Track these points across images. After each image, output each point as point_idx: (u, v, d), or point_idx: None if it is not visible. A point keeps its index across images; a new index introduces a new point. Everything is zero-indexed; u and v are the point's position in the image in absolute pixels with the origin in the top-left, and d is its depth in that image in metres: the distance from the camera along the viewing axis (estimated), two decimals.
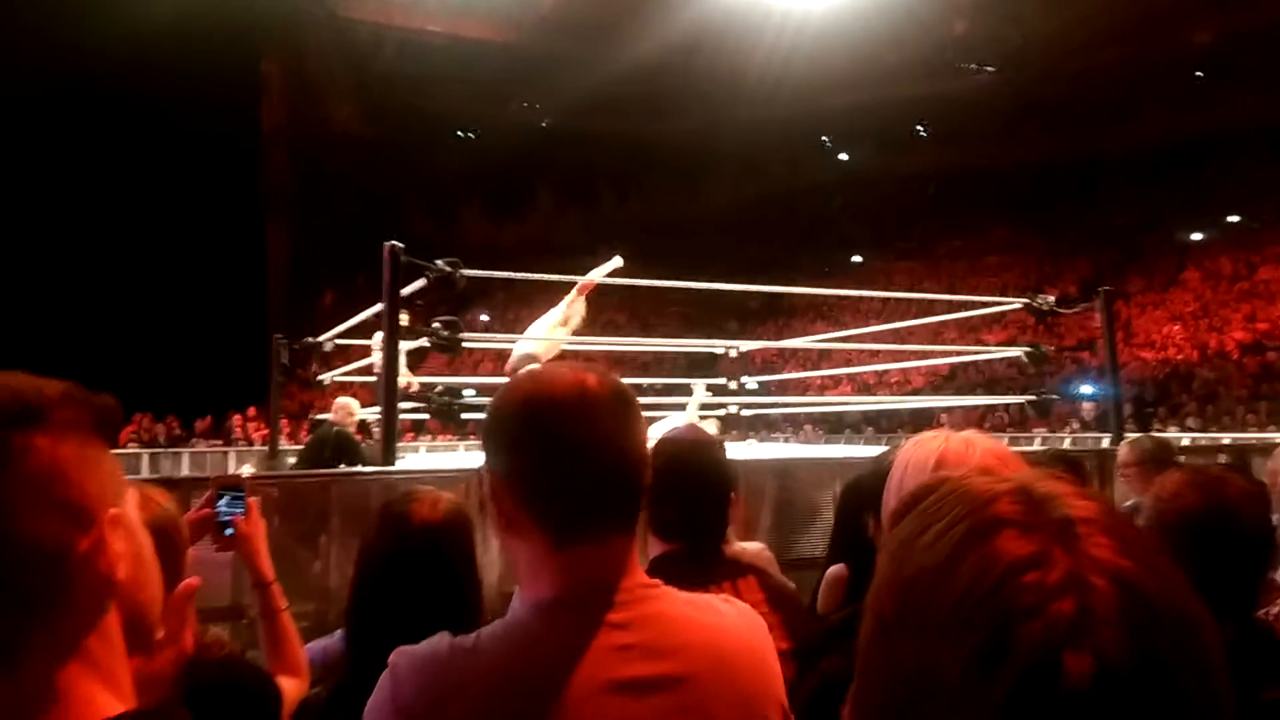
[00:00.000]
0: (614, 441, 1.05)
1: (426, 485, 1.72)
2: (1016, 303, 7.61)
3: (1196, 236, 23.68)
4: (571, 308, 6.70)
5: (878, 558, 0.58)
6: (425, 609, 1.50)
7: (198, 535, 1.76)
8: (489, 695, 0.97)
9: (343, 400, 6.97)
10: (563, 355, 6.88)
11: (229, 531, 1.82)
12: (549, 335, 6.63)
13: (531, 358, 6.61)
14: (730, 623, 1.10)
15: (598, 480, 1.04)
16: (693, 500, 1.85)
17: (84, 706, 0.70)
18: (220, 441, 14.51)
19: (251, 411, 16.15)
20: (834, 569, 2.50)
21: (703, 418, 8.11)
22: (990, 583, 0.47)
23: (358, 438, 6.85)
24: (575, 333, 7.02)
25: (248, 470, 9.27)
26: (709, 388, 9.36)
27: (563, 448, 1.03)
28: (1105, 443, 6.86)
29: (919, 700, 0.48)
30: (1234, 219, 23.22)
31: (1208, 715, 0.46)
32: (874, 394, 18.88)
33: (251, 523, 1.85)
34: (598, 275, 6.86)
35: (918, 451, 1.36)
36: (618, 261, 6.91)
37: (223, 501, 1.83)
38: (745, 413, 11.10)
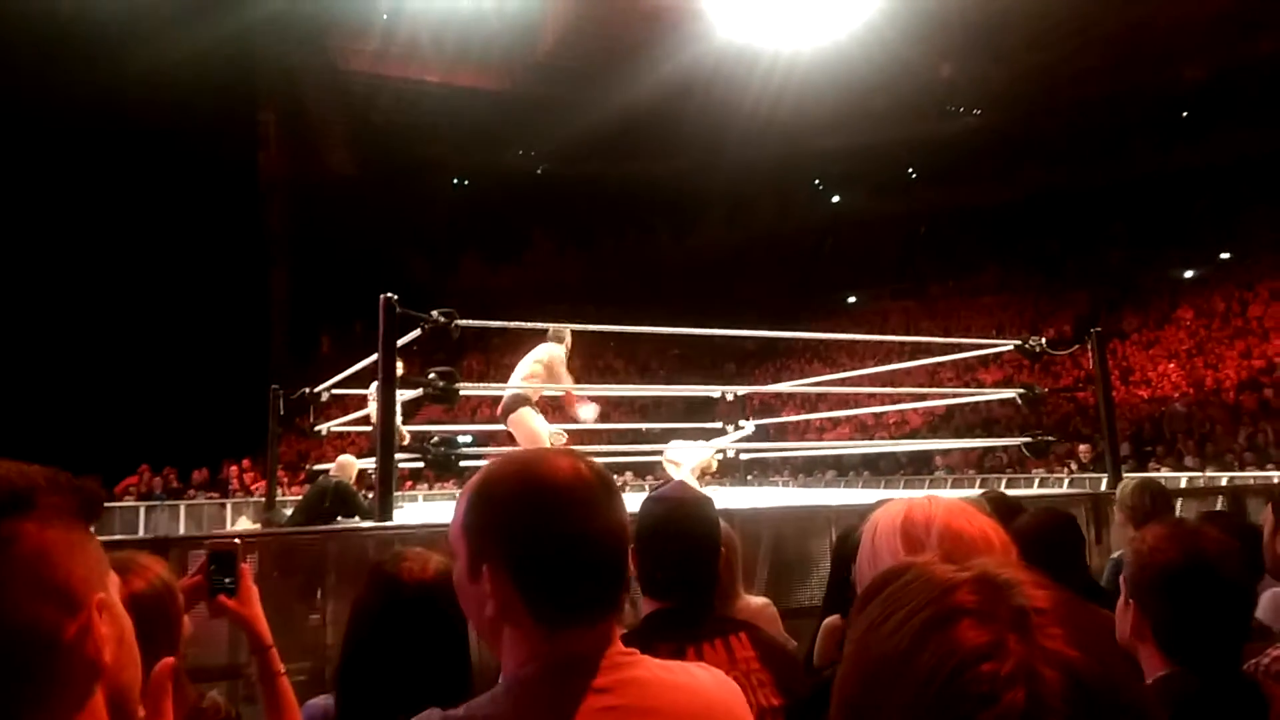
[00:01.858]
0: (610, 530, 1.10)
1: (417, 544, 1.72)
2: (1009, 344, 7.65)
3: (1189, 274, 23.85)
4: (552, 359, 6.75)
5: (845, 643, 0.60)
6: (416, 669, 1.50)
7: (191, 602, 1.76)
8: None
9: (344, 458, 7.00)
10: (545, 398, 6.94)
11: (222, 598, 1.81)
12: (534, 381, 6.67)
13: (523, 399, 6.65)
14: (704, 685, 1.14)
15: (597, 569, 1.09)
16: (681, 559, 1.87)
17: None
18: (217, 494, 14.44)
19: (247, 462, 16.09)
20: (830, 619, 2.50)
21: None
22: (948, 671, 0.50)
23: (356, 489, 6.85)
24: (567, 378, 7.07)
25: (244, 524, 9.24)
26: (707, 433, 9.38)
27: (567, 538, 1.07)
28: (1103, 484, 6.86)
29: None
30: (1225, 255, 23.40)
31: None
32: (872, 436, 18.87)
33: (244, 589, 1.84)
34: (583, 412, 6.98)
35: (884, 516, 1.39)
36: (594, 409, 7.09)
37: (215, 567, 1.83)
38: (744, 456, 11.12)
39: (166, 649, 1.41)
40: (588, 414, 7.04)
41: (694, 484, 7.82)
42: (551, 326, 6.87)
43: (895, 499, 1.48)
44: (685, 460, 8.12)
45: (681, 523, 1.91)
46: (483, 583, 1.08)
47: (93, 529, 0.83)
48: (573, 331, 7.04)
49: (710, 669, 1.20)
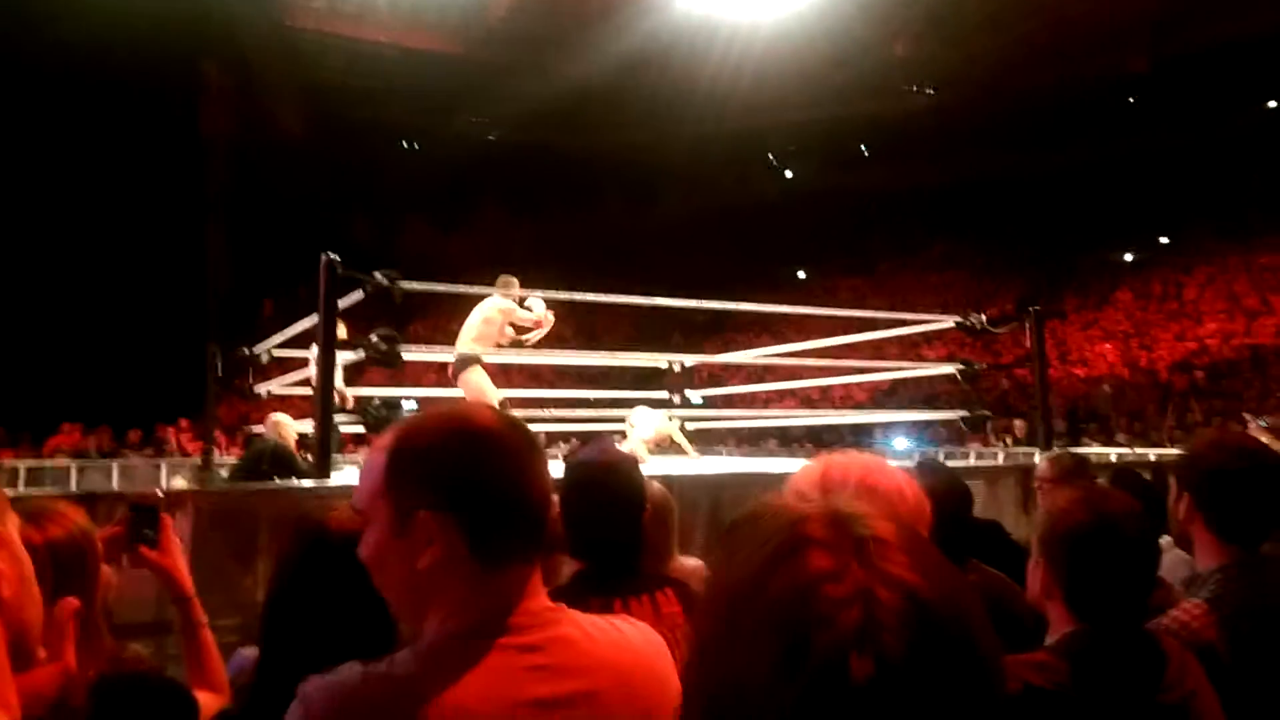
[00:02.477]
0: (539, 474, 1.13)
1: (338, 500, 1.71)
2: (949, 320, 7.80)
3: (1128, 257, 24.40)
4: (501, 313, 6.74)
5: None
6: (339, 620, 1.50)
7: (111, 553, 1.75)
8: (403, 718, 0.99)
9: (276, 416, 6.90)
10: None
11: (143, 549, 1.81)
12: (481, 340, 6.67)
13: (471, 359, 6.64)
14: (631, 641, 1.16)
15: (529, 515, 1.11)
16: (604, 519, 1.90)
17: None
18: (153, 453, 14.19)
19: (184, 423, 15.82)
20: None
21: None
22: (792, 595, 0.53)
23: (297, 452, 6.78)
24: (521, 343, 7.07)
25: (180, 485, 9.11)
26: (654, 403, 9.43)
27: (504, 476, 1.10)
28: (1037, 458, 7.05)
29: (733, 704, 0.54)
30: (1164, 240, 23.98)
31: (974, 703, 0.53)
32: (817, 409, 19.10)
33: (165, 539, 1.84)
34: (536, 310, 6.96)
35: (804, 473, 1.43)
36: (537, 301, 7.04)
37: (136, 518, 1.82)
38: (690, 426, 11.21)
39: (84, 596, 1.40)
40: (538, 308, 7.00)
41: (643, 451, 7.92)
42: (499, 279, 6.85)
43: (816, 459, 1.52)
44: (644, 427, 8.21)
45: (603, 483, 1.94)
46: (415, 533, 1.08)
47: None
48: (524, 299, 7.03)
49: (637, 624, 1.21)
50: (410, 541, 1.09)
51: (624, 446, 8.74)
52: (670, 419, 9.59)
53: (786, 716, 0.50)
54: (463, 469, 1.09)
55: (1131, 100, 25.61)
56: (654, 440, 9.18)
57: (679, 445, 9.31)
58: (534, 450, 1.15)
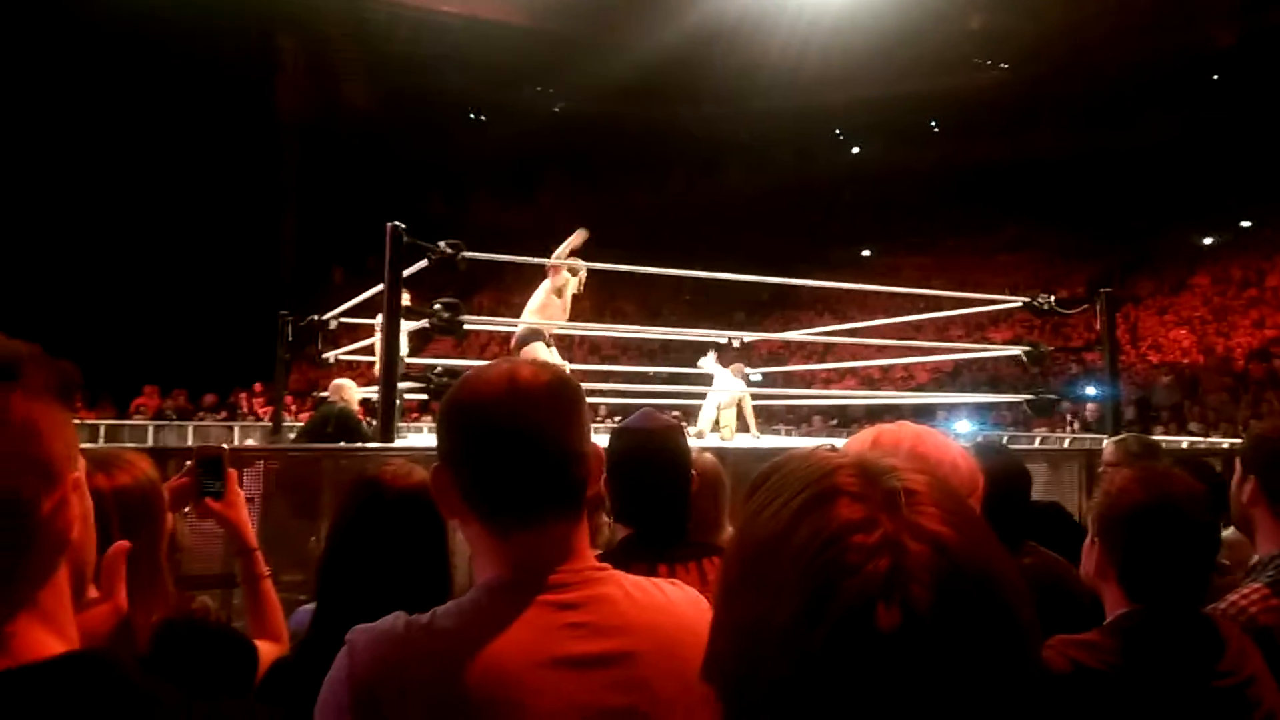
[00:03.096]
0: (544, 432, 1.10)
1: (402, 459, 1.75)
2: (1017, 301, 7.64)
3: (1208, 241, 23.57)
4: (555, 282, 6.78)
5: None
6: (394, 574, 1.54)
7: (178, 504, 1.81)
8: (441, 670, 1.02)
9: (339, 380, 7.06)
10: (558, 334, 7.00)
11: (209, 500, 1.87)
12: (543, 315, 6.74)
13: (536, 333, 6.74)
14: (674, 603, 1.15)
15: (528, 470, 1.09)
16: (649, 484, 1.91)
17: (32, 649, 0.74)
18: (224, 415, 14.61)
19: (258, 387, 16.25)
20: None
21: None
22: (820, 543, 0.54)
23: (362, 416, 6.93)
24: (576, 314, 7.13)
25: (251, 444, 9.37)
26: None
27: (491, 439, 1.10)
28: (1105, 442, 6.90)
29: (757, 651, 0.54)
30: (1246, 224, 23.11)
31: (1003, 659, 0.52)
32: (878, 389, 18.90)
33: (231, 492, 1.89)
34: (564, 251, 6.93)
35: (855, 441, 1.42)
36: (582, 234, 6.97)
37: (202, 471, 1.88)
38: (749, 404, 11.17)
39: (149, 543, 1.46)
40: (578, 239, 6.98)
41: (711, 410, 8.08)
42: (564, 261, 6.88)
43: (869, 428, 1.51)
44: (723, 389, 8.41)
45: (647, 450, 1.95)
46: (437, 486, 1.14)
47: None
48: (588, 272, 7.06)
49: (683, 587, 1.20)
50: (438, 494, 1.14)
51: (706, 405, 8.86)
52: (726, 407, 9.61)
53: (811, 664, 0.51)
54: (463, 423, 1.12)
55: (1215, 76, 24.62)
56: (728, 405, 9.24)
57: (745, 417, 9.31)
58: (557, 404, 1.12)
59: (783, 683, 0.52)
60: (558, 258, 6.91)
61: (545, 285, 6.91)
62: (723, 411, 9.27)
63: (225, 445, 1.93)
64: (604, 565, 1.15)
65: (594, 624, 1.07)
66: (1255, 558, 1.96)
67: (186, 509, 1.88)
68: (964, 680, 0.50)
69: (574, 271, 6.87)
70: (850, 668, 0.50)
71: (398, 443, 4.91)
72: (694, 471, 2.03)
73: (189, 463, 1.89)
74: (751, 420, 9.51)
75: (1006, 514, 2.27)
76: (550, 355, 6.76)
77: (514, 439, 1.09)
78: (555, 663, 1.03)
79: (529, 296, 7.04)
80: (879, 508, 0.55)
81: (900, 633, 0.50)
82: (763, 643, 0.54)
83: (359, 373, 15.82)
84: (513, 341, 7.03)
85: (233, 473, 1.90)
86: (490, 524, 1.11)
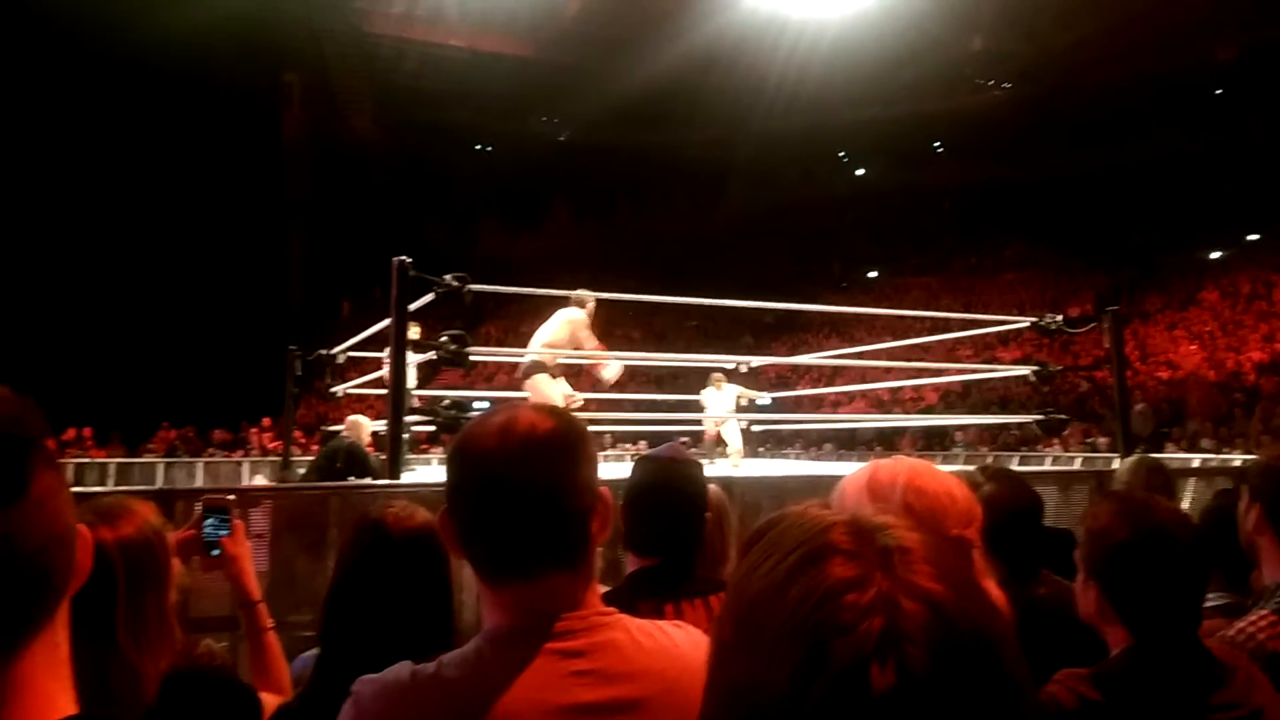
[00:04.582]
0: (535, 485, 1.08)
1: (422, 503, 1.73)
2: (1025, 321, 7.63)
3: (1215, 255, 23.52)
4: (573, 332, 6.76)
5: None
6: (397, 618, 1.53)
7: (185, 554, 1.81)
8: None
9: (354, 418, 7.09)
10: (567, 364, 6.99)
11: (215, 553, 1.86)
12: (554, 347, 6.72)
13: (540, 365, 6.71)
14: (680, 648, 1.13)
15: (522, 527, 1.07)
16: (666, 517, 1.91)
17: (45, 702, 0.75)
18: (237, 452, 14.65)
19: (267, 422, 16.30)
20: None
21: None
22: (813, 603, 0.53)
23: (371, 451, 6.94)
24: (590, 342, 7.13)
25: (260, 482, 9.39)
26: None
27: (484, 493, 1.09)
28: (1115, 463, 6.87)
29: (751, 712, 0.53)
30: (1253, 237, 23.07)
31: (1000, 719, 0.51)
32: (888, 411, 18.85)
33: (237, 543, 1.89)
34: (606, 372, 6.96)
35: (852, 478, 1.42)
36: (619, 367, 7.02)
37: (209, 522, 1.87)
38: (756, 428, 11.16)
39: (155, 593, 1.45)
40: (610, 374, 7.01)
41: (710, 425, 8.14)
42: (575, 292, 6.88)
43: (866, 463, 1.51)
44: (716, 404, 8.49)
45: (669, 482, 1.95)
46: (440, 526, 1.14)
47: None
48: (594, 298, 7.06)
49: (689, 629, 1.19)
50: (445, 539, 1.14)
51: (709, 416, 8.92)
52: (739, 422, 9.63)
53: None
54: (460, 473, 1.11)
55: (1218, 91, 24.69)
56: (716, 421, 9.30)
57: (728, 439, 9.35)
58: (555, 453, 1.10)
59: None
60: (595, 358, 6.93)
61: (559, 315, 6.88)
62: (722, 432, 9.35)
63: (232, 496, 1.92)
64: (610, 610, 1.13)
65: (601, 671, 1.06)
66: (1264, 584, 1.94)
67: (193, 559, 1.87)
68: None
69: (582, 305, 6.85)
70: None
71: (406, 478, 4.90)
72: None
73: (196, 510, 1.89)
74: (738, 443, 9.56)
75: (1017, 543, 2.25)
76: (558, 387, 6.73)
77: (508, 494, 1.08)
78: (563, 711, 1.02)
79: (536, 326, 7.03)
80: (873, 566, 0.55)
81: (894, 694, 0.49)
82: (756, 705, 0.53)
83: (368, 405, 15.86)
84: (518, 372, 7.03)
85: (239, 523, 1.89)
86: (487, 576, 1.10)
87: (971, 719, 0.50)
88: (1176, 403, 16.33)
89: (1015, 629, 0.56)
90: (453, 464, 1.13)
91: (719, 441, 9.70)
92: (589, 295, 6.86)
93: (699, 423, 10.25)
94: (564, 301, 6.89)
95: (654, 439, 14.13)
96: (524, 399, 6.60)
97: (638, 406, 12.22)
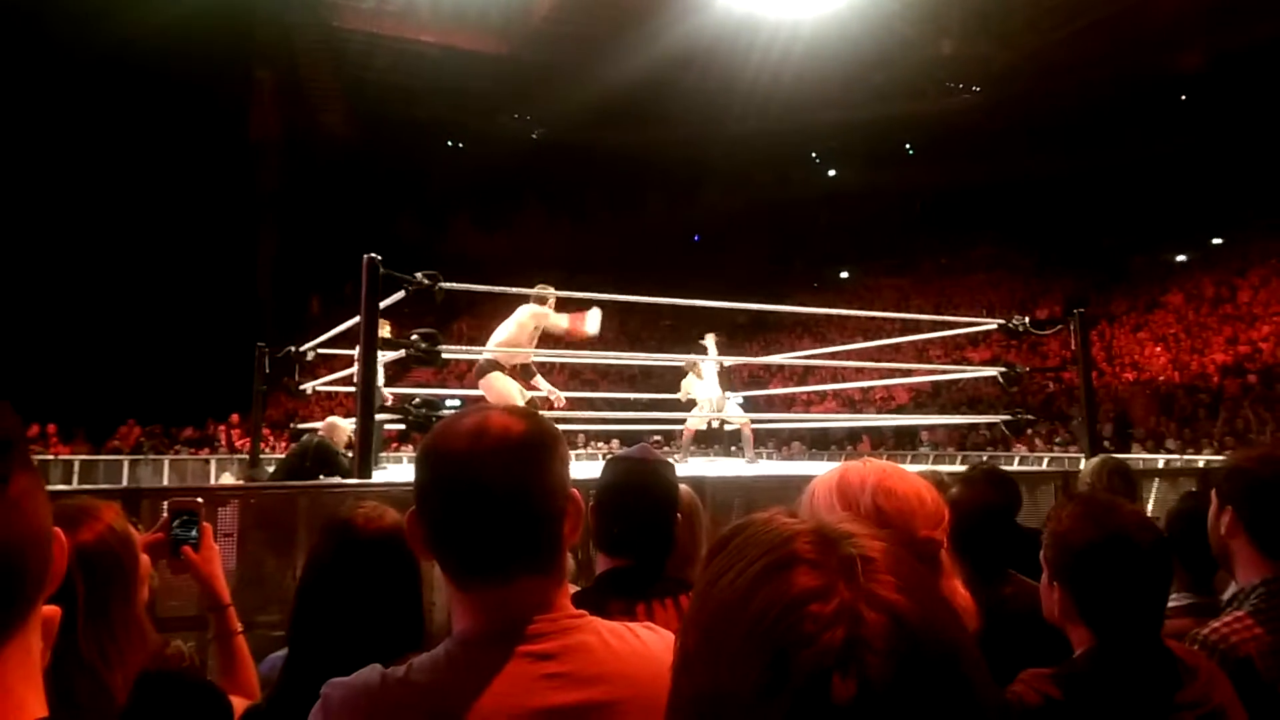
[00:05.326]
0: (506, 487, 1.07)
1: (392, 502, 1.72)
2: (993, 323, 7.71)
3: (1180, 258, 23.89)
4: (533, 318, 6.74)
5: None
6: (366, 620, 1.52)
7: (153, 557, 1.78)
8: None
9: (332, 419, 7.04)
10: (527, 363, 6.95)
11: (185, 553, 1.84)
12: (514, 344, 6.71)
13: (494, 364, 6.69)
14: (651, 649, 1.13)
15: (486, 526, 1.06)
16: (638, 517, 1.91)
17: (16, 705, 0.74)
18: (204, 449, 14.48)
19: (235, 419, 16.13)
20: None
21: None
22: (777, 613, 0.53)
23: (344, 450, 6.88)
24: (556, 340, 7.13)
25: (228, 480, 9.29)
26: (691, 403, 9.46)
27: (455, 496, 1.07)
28: (1082, 464, 6.95)
29: None
30: (1217, 240, 23.45)
31: None
32: (859, 410, 18.97)
33: (205, 547, 1.87)
34: (588, 327, 6.94)
35: (821, 479, 1.42)
36: (597, 314, 7.00)
37: (177, 524, 1.84)
38: (728, 428, 11.19)
39: (121, 598, 1.43)
40: (594, 327, 6.96)
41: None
42: (534, 290, 6.87)
43: (835, 465, 1.52)
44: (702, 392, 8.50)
45: (641, 482, 1.95)
46: (408, 530, 1.12)
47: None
48: (565, 299, 7.05)
49: (659, 631, 1.19)
50: (412, 541, 1.12)
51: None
52: (709, 422, 9.63)
53: None
54: (429, 476, 1.10)
55: (1184, 98, 25.08)
56: (714, 407, 9.25)
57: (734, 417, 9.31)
58: (526, 456, 1.09)
59: None
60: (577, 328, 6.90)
61: (519, 312, 6.87)
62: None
63: (199, 499, 1.90)
64: (580, 613, 1.13)
65: (572, 674, 1.05)
66: (1234, 587, 1.97)
67: (160, 562, 1.85)
68: None
69: (543, 301, 6.83)
70: None
71: (376, 476, 4.87)
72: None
73: (163, 515, 1.86)
74: (688, 441, 9.58)
75: (983, 545, 2.27)
76: (509, 382, 6.71)
77: (480, 497, 1.06)
78: (535, 715, 1.02)
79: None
80: (836, 576, 0.54)
81: (856, 705, 0.49)
82: (721, 714, 0.53)
83: (338, 402, 15.73)
84: (474, 370, 7.01)
85: (207, 526, 1.87)
86: (458, 579, 1.09)
87: None
88: (1142, 404, 16.56)
89: (979, 637, 0.56)
90: (423, 465, 1.11)
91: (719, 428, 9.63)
92: (550, 291, 6.86)
93: (671, 421, 10.24)
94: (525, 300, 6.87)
95: (626, 438, 14.15)
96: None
97: (610, 405, 12.23)
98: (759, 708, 0.50)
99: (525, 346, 6.79)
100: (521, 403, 6.47)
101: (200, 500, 1.89)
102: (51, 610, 0.95)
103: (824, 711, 0.49)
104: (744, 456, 9.41)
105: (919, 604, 0.54)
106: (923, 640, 0.52)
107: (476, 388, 7.04)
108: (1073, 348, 7.32)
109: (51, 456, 11.55)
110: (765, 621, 0.53)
